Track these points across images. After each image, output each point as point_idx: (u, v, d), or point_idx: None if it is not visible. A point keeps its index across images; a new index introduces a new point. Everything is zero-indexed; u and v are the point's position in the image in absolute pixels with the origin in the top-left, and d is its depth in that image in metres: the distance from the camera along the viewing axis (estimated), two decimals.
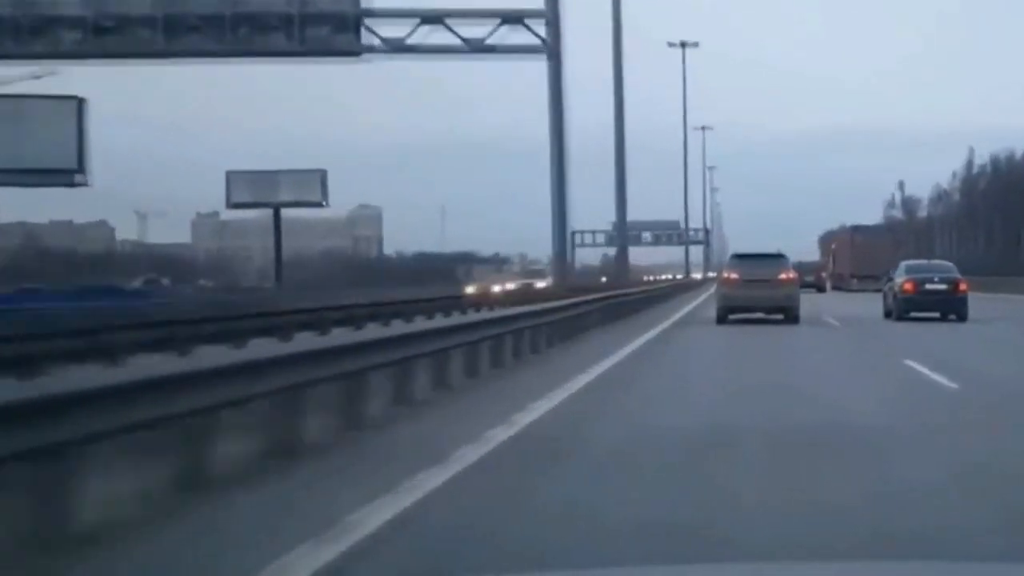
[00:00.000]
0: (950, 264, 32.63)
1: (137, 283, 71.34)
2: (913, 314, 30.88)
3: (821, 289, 69.55)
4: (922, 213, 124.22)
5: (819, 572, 4.38)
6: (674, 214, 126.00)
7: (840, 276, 73.44)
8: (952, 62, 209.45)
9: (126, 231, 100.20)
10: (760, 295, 30.60)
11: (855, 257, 66.06)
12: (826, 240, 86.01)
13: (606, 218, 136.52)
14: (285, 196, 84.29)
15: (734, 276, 31.92)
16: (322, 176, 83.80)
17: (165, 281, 76.26)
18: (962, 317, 29.70)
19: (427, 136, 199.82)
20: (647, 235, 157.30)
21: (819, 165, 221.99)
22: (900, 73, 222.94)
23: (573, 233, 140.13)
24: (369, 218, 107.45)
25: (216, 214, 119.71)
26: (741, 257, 34.76)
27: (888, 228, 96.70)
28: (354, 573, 5.87)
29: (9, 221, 72.39)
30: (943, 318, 29.71)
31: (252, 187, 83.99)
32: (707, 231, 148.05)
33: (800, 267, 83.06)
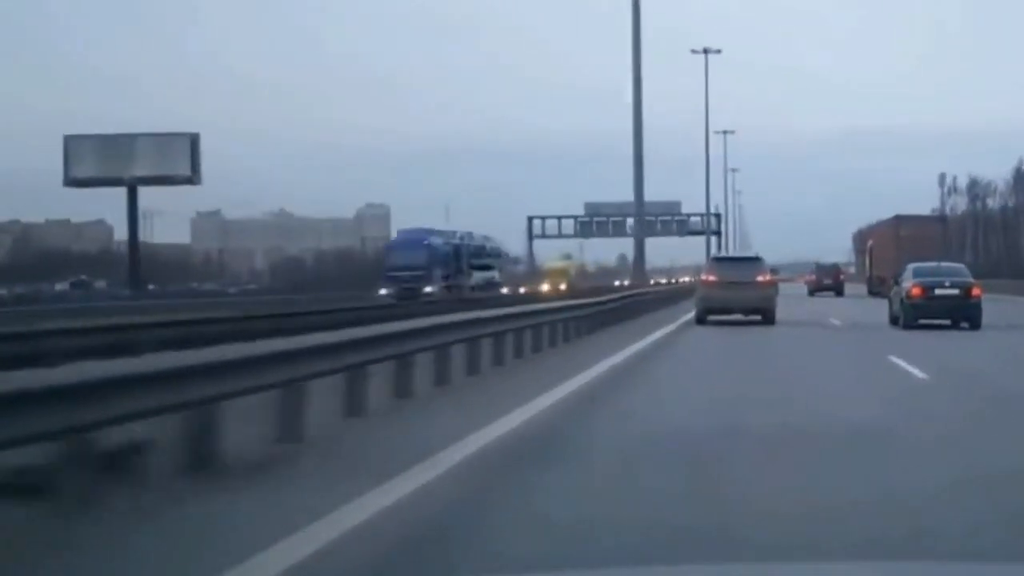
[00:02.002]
0: (962, 267, 32.99)
1: (63, 285, 65.73)
2: (921, 321, 30.34)
3: (840, 292, 69.01)
4: (993, 200, 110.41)
5: (819, 572, 4.09)
6: (677, 194, 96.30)
7: (880, 280, 59.30)
8: (976, 62, 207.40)
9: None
10: (738, 296, 31.99)
11: (901, 254, 52.45)
12: (861, 237, 78.42)
13: (581, 200, 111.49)
14: (142, 169, 61.93)
15: (712, 278, 33.50)
16: (192, 141, 60.04)
17: (100, 283, 71.39)
18: (975, 325, 29.70)
19: (436, 138, 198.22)
20: (631, 222, 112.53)
21: (842, 166, 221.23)
22: (920, 74, 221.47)
23: (531, 219, 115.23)
24: (377, 217, 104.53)
25: (218, 212, 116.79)
26: (720, 260, 37.16)
27: (940, 218, 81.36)
28: None
29: (4, 219, 68.15)
30: (954, 325, 29.79)
31: (99, 157, 61.33)
32: (715, 216, 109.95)
33: (818, 269, 79.66)
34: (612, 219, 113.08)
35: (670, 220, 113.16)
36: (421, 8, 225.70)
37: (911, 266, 30.75)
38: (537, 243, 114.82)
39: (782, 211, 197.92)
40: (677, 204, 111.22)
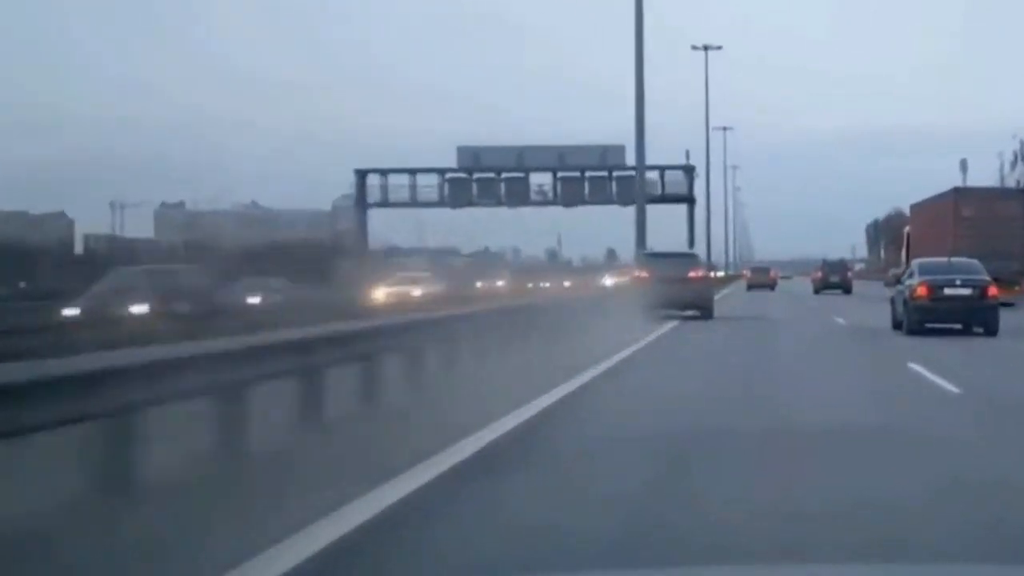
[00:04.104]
0: (975, 263, 29.39)
1: None
2: (928, 325, 26.77)
3: (848, 290, 66.54)
4: None
5: (819, 572, 4.00)
6: (621, 136, 61.86)
7: None
8: (985, 60, 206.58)
9: (102, 224, 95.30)
10: (671, 292, 32.32)
11: (961, 241, 40.90)
12: (882, 227, 66.75)
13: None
14: None
15: (644, 274, 34.39)
16: None
17: None
18: (991, 331, 26.98)
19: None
20: (543, 183, 72.76)
21: (845, 164, 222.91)
22: (927, 72, 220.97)
23: (362, 174, 73.48)
24: (353, 210, 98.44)
25: (182, 204, 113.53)
26: (652, 256, 36.71)
27: (1021, 191, 64.06)
28: None
29: None
30: (966, 330, 27.10)
31: None
32: (684, 171, 72.20)
33: (824, 265, 75.89)
34: (506, 176, 70.44)
35: (604, 179, 69.54)
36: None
37: (916, 262, 27.20)
38: (377, 216, 73.92)
39: (786, 209, 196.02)
40: (618, 151, 68.30)
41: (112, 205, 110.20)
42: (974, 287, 27.05)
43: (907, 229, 54.44)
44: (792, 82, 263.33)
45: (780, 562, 5.66)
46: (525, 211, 70.29)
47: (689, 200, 68.61)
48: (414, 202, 67.94)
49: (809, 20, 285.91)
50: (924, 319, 26.97)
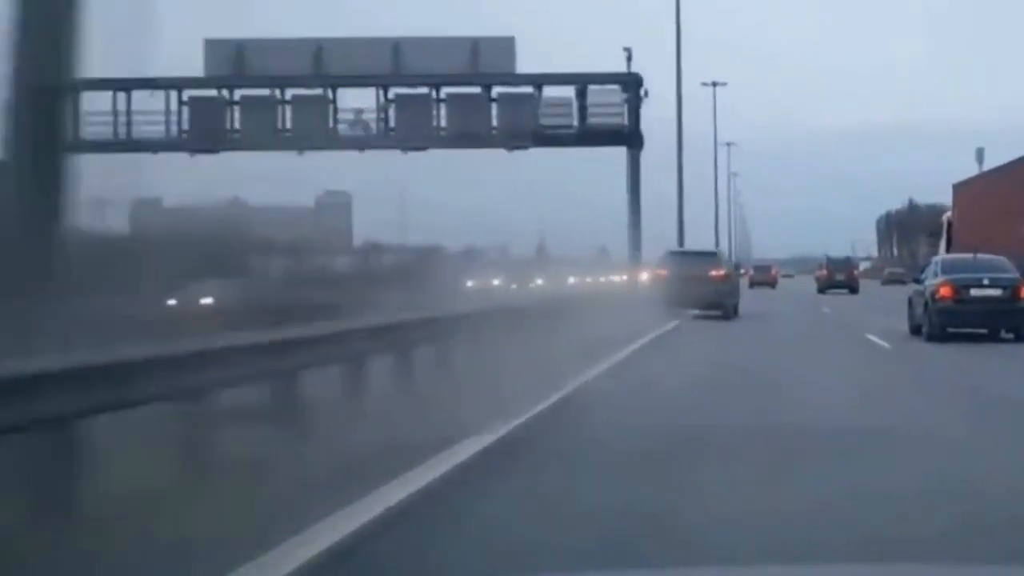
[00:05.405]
0: (1003, 260, 26.43)
1: None
2: (952, 330, 23.81)
3: (854, 290, 65.99)
4: None
5: (819, 572, 3.91)
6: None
7: None
8: (991, 56, 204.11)
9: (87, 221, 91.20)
10: (693, 291, 32.11)
11: None
12: (893, 221, 63.45)
13: None
14: None
15: (664, 272, 34.16)
16: None
17: None
18: (1023, 336, 24.28)
19: None
20: (362, 107, 39.27)
21: (844, 163, 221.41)
22: (929, 68, 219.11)
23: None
24: (337, 207, 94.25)
25: (159, 200, 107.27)
26: (674, 254, 36.56)
27: None
28: None
29: None
30: (993, 335, 24.40)
31: None
32: (624, 87, 40.31)
33: (830, 262, 71.45)
34: (293, 96, 41.79)
35: (478, 99, 42.71)
36: None
37: (937, 259, 24.57)
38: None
39: (785, 205, 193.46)
40: (502, 48, 41.79)
41: (86, 201, 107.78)
42: (1004, 287, 24.55)
43: (947, 216, 44.63)
44: (791, 78, 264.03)
45: (780, 562, 5.54)
46: (326, 159, 40.95)
47: (630, 140, 41.34)
48: (128, 141, 37.97)
49: (809, 15, 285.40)
50: (947, 323, 24.29)
